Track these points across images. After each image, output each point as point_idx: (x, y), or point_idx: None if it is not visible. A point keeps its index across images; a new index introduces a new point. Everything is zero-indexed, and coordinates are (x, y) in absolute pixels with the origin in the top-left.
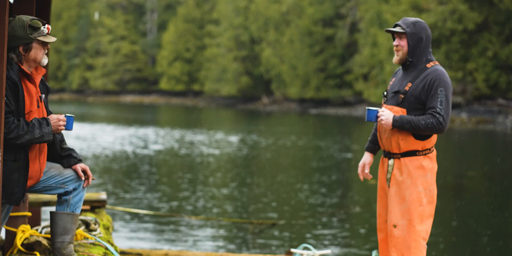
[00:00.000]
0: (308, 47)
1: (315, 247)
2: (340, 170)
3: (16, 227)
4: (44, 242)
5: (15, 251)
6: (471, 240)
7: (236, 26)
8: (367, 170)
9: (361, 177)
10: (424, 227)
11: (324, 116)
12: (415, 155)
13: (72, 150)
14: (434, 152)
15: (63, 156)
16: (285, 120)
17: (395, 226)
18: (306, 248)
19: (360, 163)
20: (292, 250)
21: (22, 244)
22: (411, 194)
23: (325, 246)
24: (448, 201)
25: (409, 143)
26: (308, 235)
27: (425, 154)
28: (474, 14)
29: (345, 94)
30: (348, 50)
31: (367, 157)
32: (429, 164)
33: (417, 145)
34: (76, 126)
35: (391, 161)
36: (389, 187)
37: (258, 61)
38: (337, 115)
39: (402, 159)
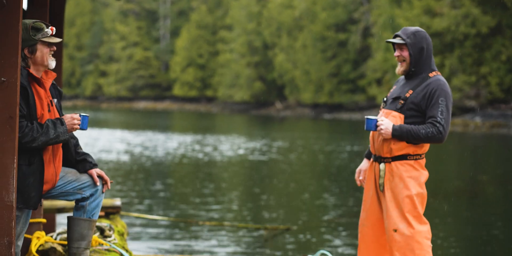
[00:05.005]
0: (321, 52)
1: (331, 253)
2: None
3: (31, 234)
4: (59, 248)
5: None
6: (482, 244)
7: (249, 31)
8: (361, 177)
9: (358, 183)
10: (425, 227)
11: (337, 121)
12: (406, 159)
13: (87, 154)
14: (424, 160)
15: (78, 160)
16: (299, 125)
17: (395, 231)
18: (323, 255)
19: (357, 169)
20: None
21: (37, 251)
22: (405, 198)
23: (341, 253)
24: (460, 205)
25: (400, 147)
26: (323, 241)
27: (416, 159)
28: (487, 18)
29: (358, 99)
30: (361, 55)
31: (364, 163)
32: (420, 168)
33: (408, 149)
34: (90, 130)
35: (382, 166)
36: (382, 191)
37: (271, 67)
38: (350, 120)
39: (393, 163)
